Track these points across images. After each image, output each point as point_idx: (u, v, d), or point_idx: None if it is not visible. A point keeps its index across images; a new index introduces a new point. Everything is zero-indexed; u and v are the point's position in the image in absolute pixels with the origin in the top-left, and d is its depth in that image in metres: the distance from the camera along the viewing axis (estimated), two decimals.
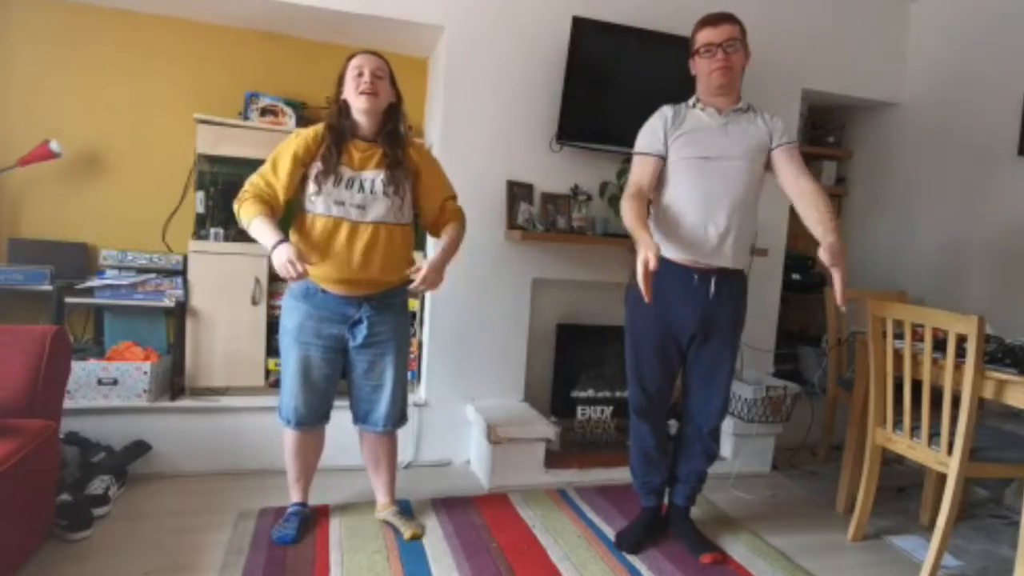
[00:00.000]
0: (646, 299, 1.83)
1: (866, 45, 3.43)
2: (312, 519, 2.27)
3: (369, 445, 2.27)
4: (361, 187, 2.01)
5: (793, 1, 3.26)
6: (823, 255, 1.88)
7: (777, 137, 2.11)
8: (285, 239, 1.89)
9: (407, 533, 2.20)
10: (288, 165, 1.99)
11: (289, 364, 2.10)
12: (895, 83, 3.53)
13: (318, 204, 2.00)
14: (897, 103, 3.55)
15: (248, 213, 1.94)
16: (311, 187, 2.00)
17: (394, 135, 2.08)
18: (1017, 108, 2.93)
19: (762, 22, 3.02)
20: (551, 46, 2.86)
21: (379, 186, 2.02)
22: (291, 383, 2.10)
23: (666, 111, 2.15)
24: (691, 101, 2.15)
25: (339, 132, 2.03)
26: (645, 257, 1.82)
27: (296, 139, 2.03)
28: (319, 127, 2.06)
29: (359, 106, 2.01)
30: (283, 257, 1.83)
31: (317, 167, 2.00)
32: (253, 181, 2.01)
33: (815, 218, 1.97)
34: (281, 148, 2.03)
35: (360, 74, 2.00)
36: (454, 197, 2.24)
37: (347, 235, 1.99)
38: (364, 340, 2.09)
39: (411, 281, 2.04)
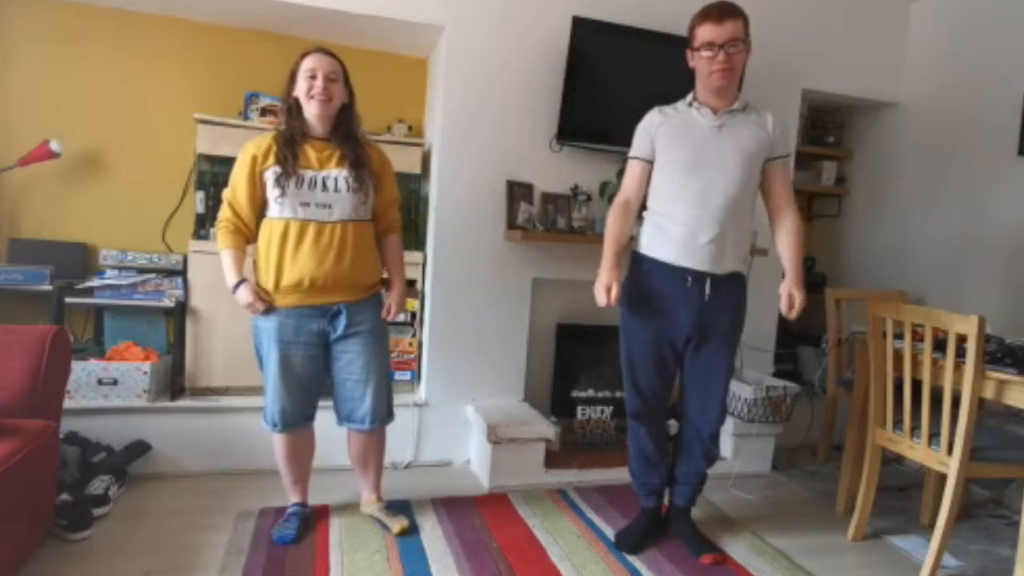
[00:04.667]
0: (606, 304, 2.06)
1: (866, 45, 3.43)
2: (312, 519, 2.27)
3: (357, 445, 2.24)
4: (325, 186, 2.01)
5: (793, 1, 3.26)
6: (783, 292, 2.08)
7: (777, 149, 2.10)
8: (245, 280, 2.01)
9: (395, 528, 2.21)
10: (247, 189, 2.02)
11: (271, 365, 2.07)
12: (895, 83, 3.53)
13: (285, 207, 1.99)
14: (897, 103, 3.55)
15: (221, 244, 2.05)
16: (274, 190, 1.99)
17: (348, 137, 2.08)
18: (1017, 108, 2.93)
19: (762, 22, 3.01)
20: (551, 46, 2.86)
21: (343, 184, 2.02)
22: (275, 385, 2.07)
23: (653, 115, 2.14)
24: (688, 99, 2.12)
25: (290, 134, 2.03)
26: (606, 285, 2.05)
27: (246, 158, 2.03)
28: (268, 137, 2.06)
29: (311, 110, 2.02)
30: (245, 300, 2.00)
31: (275, 170, 1.99)
32: (224, 215, 2.06)
33: (787, 254, 2.12)
34: (236, 170, 2.04)
35: (313, 76, 1.99)
36: (397, 202, 2.25)
37: (314, 236, 1.99)
38: (345, 331, 2.08)
39: (382, 283, 2.19)
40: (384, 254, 2.24)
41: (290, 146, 2.01)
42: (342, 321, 2.07)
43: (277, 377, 2.06)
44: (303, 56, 2.04)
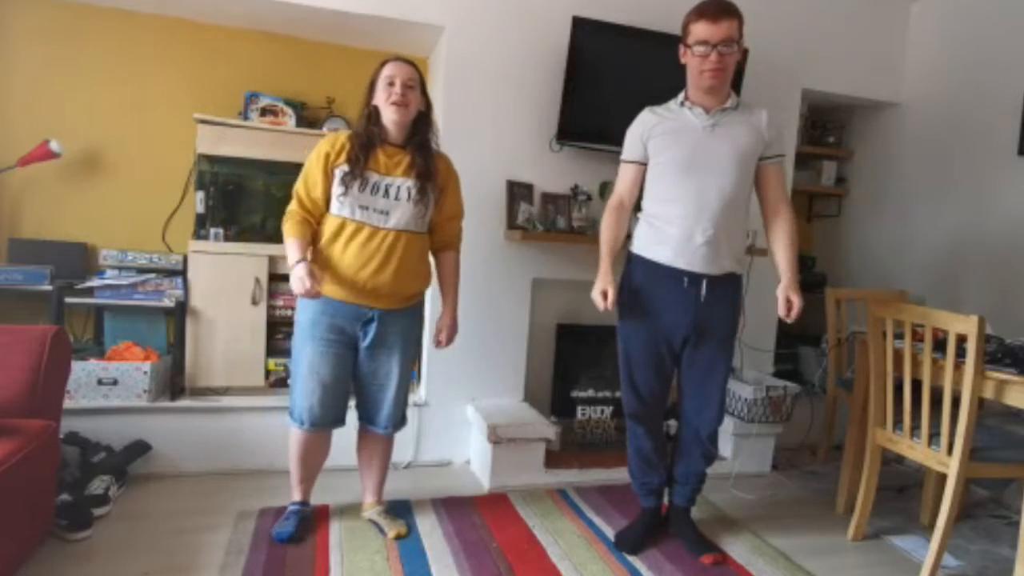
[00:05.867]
0: (603, 308, 2.06)
1: (866, 45, 3.43)
2: (312, 519, 2.27)
3: (367, 445, 2.27)
4: (387, 192, 2.03)
5: (793, 1, 3.26)
6: (780, 297, 2.07)
7: (771, 148, 2.09)
8: (305, 260, 1.99)
9: (391, 532, 2.21)
10: (322, 183, 2.04)
11: (302, 361, 2.09)
12: (895, 83, 3.53)
13: (345, 206, 2.01)
14: (897, 103, 3.55)
15: (288, 232, 2.04)
16: (338, 188, 2.01)
17: (424, 146, 2.10)
18: (1017, 108, 2.93)
19: (762, 22, 3.02)
20: (551, 46, 2.86)
21: (405, 193, 2.04)
22: (304, 381, 2.09)
23: (645, 116, 2.13)
24: (679, 98, 2.10)
25: (367, 138, 2.05)
26: (601, 291, 2.05)
27: (320, 154, 2.05)
28: (343, 136, 2.08)
29: (389, 116, 2.04)
30: (299, 273, 1.94)
31: (344, 168, 2.02)
32: (292, 208, 2.07)
33: (782, 255, 2.10)
34: (310, 166, 2.06)
35: (391, 83, 2.02)
36: (462, 216, 2.26)
37: (364, 240, 2.01)
38: (373, 340, 2.09)
39: (423, 292, 2.19)
40: (438, 271, 2.25)
41: (364, 149, 2.03)
42: (373, 328, 2.08)
43: (307, 374, 2.08)
44: (382, 64, 2.07)
